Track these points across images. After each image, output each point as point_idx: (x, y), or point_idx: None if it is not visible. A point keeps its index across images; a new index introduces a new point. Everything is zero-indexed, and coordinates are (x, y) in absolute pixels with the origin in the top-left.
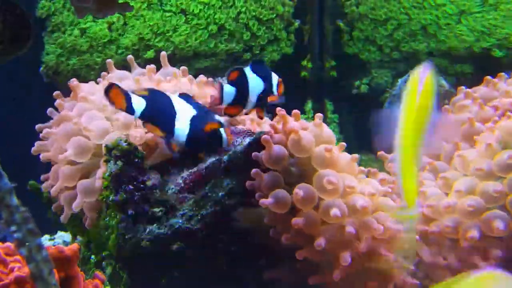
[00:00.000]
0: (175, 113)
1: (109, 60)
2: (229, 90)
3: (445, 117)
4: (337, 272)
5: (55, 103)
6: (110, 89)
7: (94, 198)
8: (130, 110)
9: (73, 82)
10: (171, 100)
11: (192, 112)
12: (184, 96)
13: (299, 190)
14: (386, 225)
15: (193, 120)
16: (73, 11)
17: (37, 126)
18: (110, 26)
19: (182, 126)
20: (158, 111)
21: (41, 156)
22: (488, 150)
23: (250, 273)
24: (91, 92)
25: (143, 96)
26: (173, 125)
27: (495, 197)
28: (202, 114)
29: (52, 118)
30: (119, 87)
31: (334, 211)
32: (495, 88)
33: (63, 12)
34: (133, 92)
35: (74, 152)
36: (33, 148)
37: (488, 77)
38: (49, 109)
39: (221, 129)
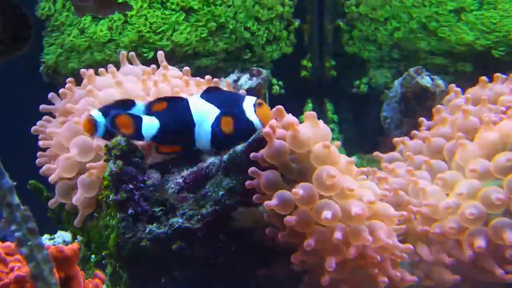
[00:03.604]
0: (193, 125)
1: (123, 52)
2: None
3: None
4: (326, 277)
5: (63, 90)
6: (116, 117)
7: (93, 193)
8: (139, 135)
9: (89, 71)
10: (189, 111)
11: (214, 113)
12: (211, 93)
13: (299, 189)
14: (378, 235)
15: (214, 125)
16: (72, 11)
17: (41, 107)
18: (110, 25)
19: (202, 137)
20: (174, 130)
21: (41, 143)
22: (485, 148)
23: (250, 272)
24: (101, 87)
25: (157, 115)
26: (192, 140)
27: (497, 204)
28: (227, 111)
29: (51, 110)
30: (128, 114)
31: (325, 214)
32: (484, 88)
33: (63, 13)
34: (149, 107)
35: (78, 152)
36: (33, 128)
37: (483, 78)
38: (51, 94)
39: (249, 113)
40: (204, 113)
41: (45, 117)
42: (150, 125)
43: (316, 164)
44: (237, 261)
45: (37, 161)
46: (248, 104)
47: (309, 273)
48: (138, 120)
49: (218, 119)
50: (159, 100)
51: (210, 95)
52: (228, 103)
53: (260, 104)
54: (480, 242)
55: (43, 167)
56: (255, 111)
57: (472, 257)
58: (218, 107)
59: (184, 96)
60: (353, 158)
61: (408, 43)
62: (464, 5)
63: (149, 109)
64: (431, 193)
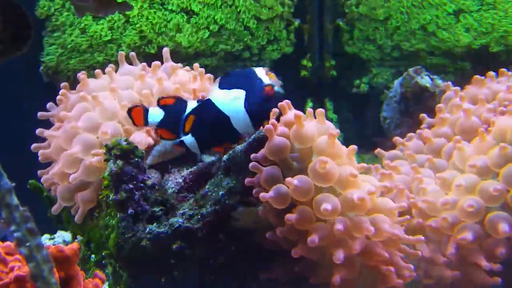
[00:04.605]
0: (228, 118)
1: (121, 52)
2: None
3: None
4: (337, 276)
5: (58, 97)
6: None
7: (93, 178)
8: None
9: (82, 74)
10: (217, 109)
11: (241, 96)
12: (226, 80)
13: (294, 179)
14: (382, 228)
15: (246, 105)
16: (73, 11)
17: (39, 114)
18: (110, 25)
19: (242, 123)
20: (213, 134)
21: (39, 153)
22: (482, 145)
23: (250, 272)
24: (95, 90)
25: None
26: (234, 131)
27: (495, 195)
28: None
29: (49, 117)
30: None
31: (325, 206)
32: (481, 86)
33: (63, 12)
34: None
35: (82, 149)
36: (33, 146)
37: (477, 77)
38: (49, 104)
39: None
40: (232, 101)
41: (39, 130)
42: (190, 142)
43: (317, 156)
44: (237, 261)
45: (39, 172)
46: (261, 73)
47: (313, 274)
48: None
49: (256, 91)
50: (188, 116)
51: (226, 81)
52: (246, 79)
53: (268, 71)
54: (467, 236)
55: (43, 178)
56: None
57: (454, 254)
58: (241, 88)
59: (206, 96)
60: (354, 146)
61: (408, 43)
62: (464, 7)
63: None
64: (431, 192)
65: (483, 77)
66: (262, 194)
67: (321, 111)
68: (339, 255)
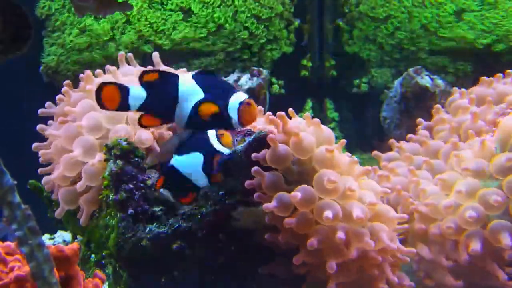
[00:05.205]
0: (176, 101)
1: (121, 53)
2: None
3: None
4: (332, 284)
5: (59, 96)
6: (102, 88)
7: (96, 182)
8: (126, 105)
9: (86, 72)
10: (176, 87)
11: (198, 96)
12: (204, 76)
13: (297, 193)
14: (381, 238)
15: (193, 108)
16: (73, 11)
17: (40, 111)
18: (112, 25)
19: (180, 115)
20: (159, 103)
21: (40, 153)
22: (482, 149)
23: (250, 272)
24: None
25: (146, 85)
26: (172, 115)
27: (495, 206)
28: (211, 99)
29: (50, 114)
30: (115, 84)
31: (326, 214)
32: (489, 87)
33: (63, 12)
34: (141, 77)
35: (82, 152)
36: (33, 145)
37: (484, 78)
38: (47, 103)
39: (231, 108)
40: (189, 93)
41: (40, 126)
42: (138, 95)
43: (317, 167)
44: (237, 261)
45: (39, 170)
46: (235, 99)
47: (310, 274)
48: (125, 90)
49: (198, 104)
50: (152, 71)
51: (202, 77)
52: (216, 91)
53: (248, 103)
54: (475, 246)
55: (43, 180)
56: (238, 108)
57: (468, 261)
58: (204, 92)
59: (177, 72)
60: (356, 159)
61: (408, 42)
62: (465, 6)
63: (141, 79)
64: (431, 193)
65: (491, 78)
66: (265, 205)
67: (316, 121)
68: (332, 264)
